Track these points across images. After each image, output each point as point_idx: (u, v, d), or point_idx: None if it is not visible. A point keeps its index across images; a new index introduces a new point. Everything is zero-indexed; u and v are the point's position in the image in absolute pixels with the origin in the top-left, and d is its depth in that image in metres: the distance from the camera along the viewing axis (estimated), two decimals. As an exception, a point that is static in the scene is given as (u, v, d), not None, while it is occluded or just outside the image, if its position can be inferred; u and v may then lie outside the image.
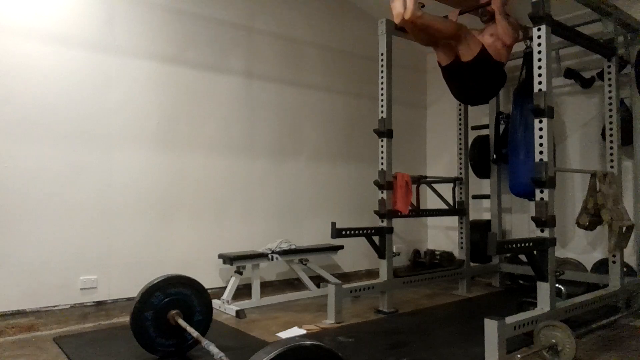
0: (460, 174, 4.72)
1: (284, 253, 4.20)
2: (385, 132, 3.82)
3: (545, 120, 2.86)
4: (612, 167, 3.60)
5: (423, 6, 3.34)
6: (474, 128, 4.97)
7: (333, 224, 3.63)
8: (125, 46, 3.76)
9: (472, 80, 3.57)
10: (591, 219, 3.27)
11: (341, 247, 4.61)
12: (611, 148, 3.64)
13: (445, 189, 4.67)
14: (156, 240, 3.85)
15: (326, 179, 4.99)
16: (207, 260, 4.08)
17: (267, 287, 4.36)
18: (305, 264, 4.41)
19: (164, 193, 3.91)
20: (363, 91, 5.24)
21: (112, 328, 3.39)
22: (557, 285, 3.07)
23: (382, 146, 3.85)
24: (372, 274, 5.06)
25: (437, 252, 5.61)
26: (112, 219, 3.65)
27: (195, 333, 2.52)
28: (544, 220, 2.85)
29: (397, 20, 3.11)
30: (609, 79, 3.66)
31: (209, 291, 2.92)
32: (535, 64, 2.92)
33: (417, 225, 5.81)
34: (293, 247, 4.29)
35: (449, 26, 3.33)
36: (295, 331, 3.28)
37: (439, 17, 3.33)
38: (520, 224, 4.96)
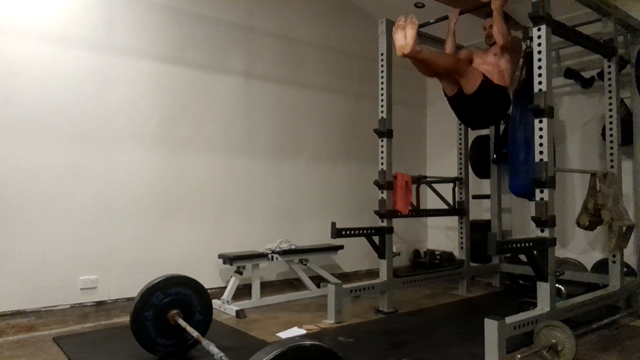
0: (460, 174, 4.72)
1: (284, 253, 4.20)
2: (385, 132, 3.82)
3: (545, 120, 2.86)
4: (612, 167, 3.60)
5: (422, 6, 3.34)
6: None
7: (333, 224, 3.64)
8: (125, 46, 3.76)
9: (475, 110, 3.64)
10: (591, 219, 3.28)
11: (341, 247, 4.61)
12: (611, 148, 3.64)
13: (445, 189, 4.66)
14: (156, 240, 3.85)
15: (326, 179, 5.00)
16: (207, 260, 4.08)
17: (267, 287, 4.36)
18: (305, 264, 4.41)
19: (164, 193, 3.91)
20: (363, 91, 5.24)
21: (112, 328, 3.39)
22: (557, 285, 3.07)
23: (382, 146, 3.85)
24: (372, 274, 5.06)
25: (437, 252, 5.61)
26: (112, 218, 3.65)
27: (195, 333, 2.52)
28: (544, 220, 2.85)
29: (399, 53, 3.25)
30: (609, 79, 3.65)
31: (209, 291, 2.92)
32: (535, 64, 2.92)
33: (417, 225, 5.81)
34: (293, 247, 4.29)
35: (447, 61, 3.43)
36: (295, 331, 3.28)
37: (438, 52, 3.47)
38: (520, 224, 4.96)
